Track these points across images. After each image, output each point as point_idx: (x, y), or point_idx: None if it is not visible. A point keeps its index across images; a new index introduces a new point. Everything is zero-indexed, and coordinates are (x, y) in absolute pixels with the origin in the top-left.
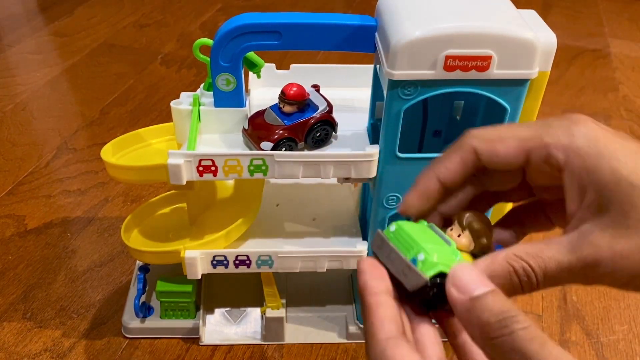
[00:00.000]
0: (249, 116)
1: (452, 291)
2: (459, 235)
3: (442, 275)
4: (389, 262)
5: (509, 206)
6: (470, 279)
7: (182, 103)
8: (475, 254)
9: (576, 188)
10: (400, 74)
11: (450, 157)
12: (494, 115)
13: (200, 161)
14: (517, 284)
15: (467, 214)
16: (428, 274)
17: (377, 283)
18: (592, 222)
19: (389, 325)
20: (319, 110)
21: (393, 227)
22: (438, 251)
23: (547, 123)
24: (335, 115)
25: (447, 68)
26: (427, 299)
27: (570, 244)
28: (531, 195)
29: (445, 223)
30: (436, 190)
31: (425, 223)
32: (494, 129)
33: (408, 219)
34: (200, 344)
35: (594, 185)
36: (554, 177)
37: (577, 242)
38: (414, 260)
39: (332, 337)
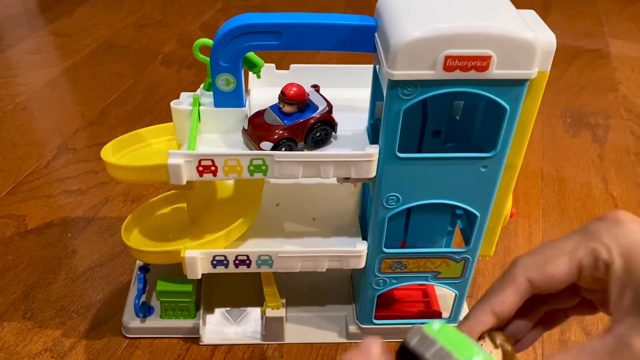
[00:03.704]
0: (248, 116)
1: None
2: (490, 352)
3: None
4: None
5: None
6: None
7: (182, 103)
8: None
9: (618, 287)
10: (400, 74)
11: (504, 291)
12: (494, 115)
13: (200, 161)
14: None
15: (499, 335)
16: None
17: None
18: (630, 323)
19: None
20: (318, 110)
21: (436, 325)
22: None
23: (588, 229)
24: (335, 115)
25: (447, 68)
26: None
27: (608, 351)
28: (590, 308)
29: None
30: (490, 323)
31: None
32: (539, 252)
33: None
34: (200, 343)
35: (633, 284)
36: (602, 281)
37: (614, 348)
38: None
39: (332, 337)
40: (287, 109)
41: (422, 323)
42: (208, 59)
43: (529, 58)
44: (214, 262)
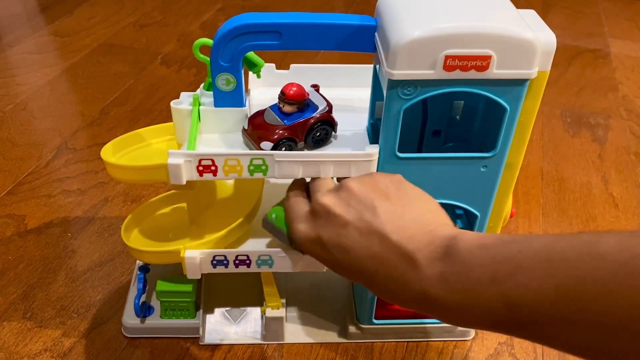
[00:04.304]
0: (248, 116)
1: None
2: None
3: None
4: (273, 232)
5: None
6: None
7: (182, 103)
8: None
9: None
10: (399, 73)
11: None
12: (494, 115)
13: (200, 161)
14: None
15: None
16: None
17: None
18: None
19: None
20: (318, 110)
21: (273, 215)
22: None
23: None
24: (335, 115)
25: (447, 68)
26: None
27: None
28: None
29: None
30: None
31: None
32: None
33: None
34: (200, 343)
35: None
36: None
37: None
38: (287, 234)
39: (332, 336)
40: (287, 108)
41: (422, 323)
42: (208, 58)
43: (529, 58)
44: (214, 262)
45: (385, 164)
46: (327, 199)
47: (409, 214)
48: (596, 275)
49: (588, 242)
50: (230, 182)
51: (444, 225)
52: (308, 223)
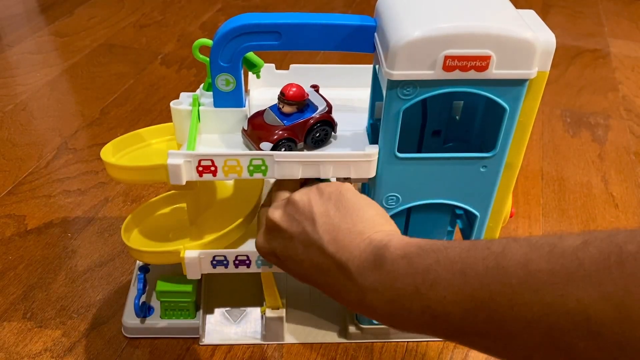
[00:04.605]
0: (248, 116)
1: None
2: None
3: None
4: None
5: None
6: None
7: (182, 103)
8: None
9: None
10: (399, 74)
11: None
12: (493, 115)
13: (199, 161)
14: None
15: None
16: None
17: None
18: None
19: None
20: (318, 111)
21: None
22: None
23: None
24: (334, 115)
25: (446, 68)
26: None
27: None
28: None
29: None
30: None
31: None
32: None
33: None
34: (200, 343)
35: None
36: None
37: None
38: None
39: (332, 337)
40: (286, 109)
41: None
42: (208, 59)
43: (529, 58)
44: (214, 262)
45: (385, 164)
46: (275, 214)
47: (345, 224)
48: (501, 290)
49: (496, 254)
50: (230, 182)
51: (378, 232)
52: (264, 236)
